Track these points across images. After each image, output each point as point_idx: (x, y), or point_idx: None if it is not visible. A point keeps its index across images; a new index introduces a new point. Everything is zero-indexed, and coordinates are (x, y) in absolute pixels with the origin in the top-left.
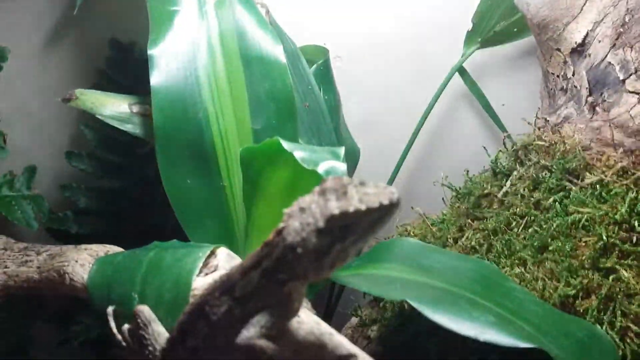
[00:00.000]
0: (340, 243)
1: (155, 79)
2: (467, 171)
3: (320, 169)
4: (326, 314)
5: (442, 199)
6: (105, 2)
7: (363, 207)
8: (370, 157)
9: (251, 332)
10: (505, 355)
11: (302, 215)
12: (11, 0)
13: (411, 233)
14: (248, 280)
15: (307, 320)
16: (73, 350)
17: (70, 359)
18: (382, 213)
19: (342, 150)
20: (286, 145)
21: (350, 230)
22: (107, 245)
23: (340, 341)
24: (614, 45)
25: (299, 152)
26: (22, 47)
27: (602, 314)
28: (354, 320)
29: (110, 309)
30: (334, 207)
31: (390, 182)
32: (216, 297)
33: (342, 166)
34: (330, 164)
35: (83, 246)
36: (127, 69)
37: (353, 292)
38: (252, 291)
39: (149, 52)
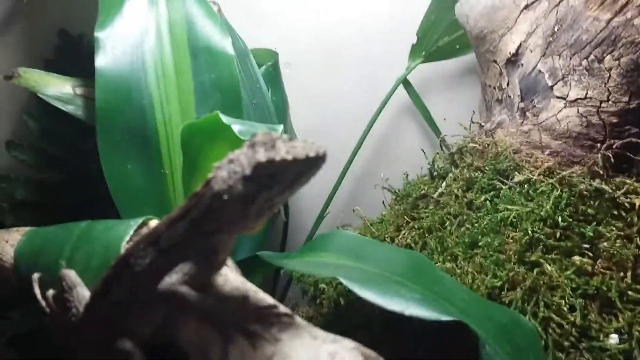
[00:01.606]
0: (267, 192)
1: (100, 61)
2: (407, 174)
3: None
4: None
5: (383, 202)
6: None
7: (289, 157)
8: None
9: (173, 279)
10: (432, 344)
11: (230, 165)
12: None
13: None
14: (174, 231)
15: (233, 279)
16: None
17: None
18: (309, 164)
19: (280, 127)
20: (225, 119)
21: (277, 180)
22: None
23: (263, 297)
24: (544, 54)
25: (237, 126)
26: None
27: (526, 304)
28: None
29: (35, 276)
30: (262, 156)
31: (336, 187)
32: (141, 248)
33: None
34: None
35: (14, 229)
36: (75, 60)
37: (293, 292)
38: (178, 242)
39: (96, 34)
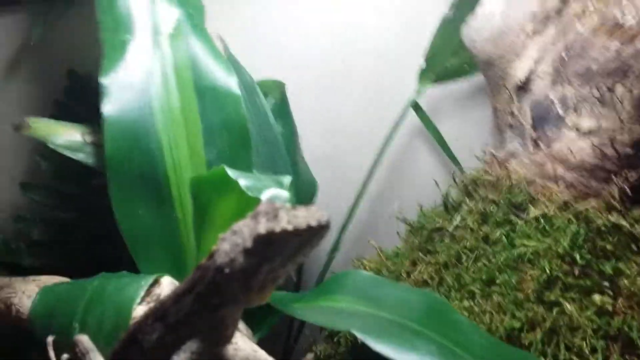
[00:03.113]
0: (268, 264)
1: (107, 108)
2: (421, 206)
3: (264, 196)
4: (285, 351)
5: (397, 232)
6: (63, 34)
7: (290, 228)
8: (328, 191)
9: (181, 358)
10: None
11: (232, 237)
12: None
13: (367, 267)
14: (181, 306)
15: (243, 347)
16: None
17: None
18: (311, 234)
19: (287, 179)
20: (231, 173)
21: (278, 251)
22: (56, 277)
23: None
24: (555, 82)
25: (244, 180)
26: None
27: (546, 346)
28: (309, 356)
29: (50, 339)
30: (262, 227)
31: (349, 215)
32: (149, 324)
33: (285, 194)
34: (273, 192)
35: (31, 277)
36: (84, 100)
37: (311, 329)
38: (185, 317)
39: (100, 80)
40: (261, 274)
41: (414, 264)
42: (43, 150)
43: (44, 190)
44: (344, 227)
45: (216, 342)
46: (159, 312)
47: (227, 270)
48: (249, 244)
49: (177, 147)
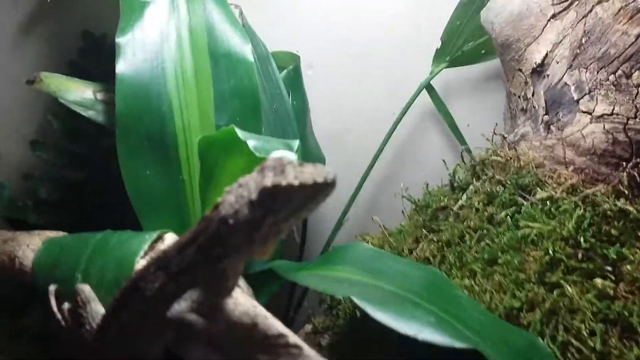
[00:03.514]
0: (273, 217)
1: (121, 67)
2: (427, 184)
3: (272, 157)
4: (284, 323)
5: (402, 211)
6: None
7: (296, 182)
8: (336, 168)
9: (182, 306)
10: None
11: (238, 190)
12: None
13: (369, 243)
14: (184, 256)
15: (243, 302)
16: (24, 344)
17: (22, 351)
18: (316, 190)
19: (295, 143)
20: (241, 133)
21: (283, 205)
22: (60, 232)
23: (273, 323)
24: (571, 66)
25: (252, 141)
26: None
27: (545, 327)
28: (308, 327)
29: (52, 288)
30: (268, 180)
31: (355, 193)
32: (151, 272)
33: (293, 156)
34: (281, 154)
35: (36, 232)
36: (98, 61)
37: (310, 301)
38: (187, 267)
39: (117, 40)
40: (265, 226)
41: (416, 241)
42: (55, 110)
43: (54, 149)
44: (349, 204)
45: (217, 293)
46: (162, 262)
47: (231, 221)
48: (254, 196)
49: (187, 110)
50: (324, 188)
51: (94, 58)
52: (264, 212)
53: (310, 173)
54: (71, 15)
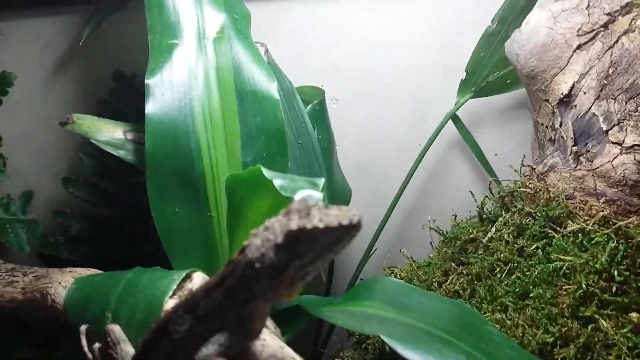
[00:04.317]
0: (298, 260)
1: (150, 107)
2: (455, 216)
3: (298, 196)
4: (312, 357)
5: (431, 243)
6: (111, 35)
7: (321, 225)
8: (362, 199)
9: (210, 350)
10: None
11: (264, 233)
12: (21, 27)
13: (398, 275)
14: (212, 299)
15: (271, 344)
16: None
17: None
18: (342, 233)
19: (321, 181)
20: (267, 173)
21: (309, 248)
22: (92, 269)
23: None
24: (598, 96)
25: (279, 180)
26: (28, 75)
27: None
28: None
29: (83, 327)
30: (294, 224)
31: (382, 225)
32: (180, 315)
33: (319, 195)
34: (307, 193)
35: (68, 269)
36: (129, 101)
37: (339, 335)
38: (215, 310)
39: (146, 81)
40: (291, 270)
41: (446, 274)
42: (86, 148)
43: (85, 186)
44: (376, 236)
45: (244, 336)
46: (190, 304)
47: (257, 265)
48: (280, 239)
49: (215, 148)
50: (349, 230)
51: (125, 98)
52: (290, 255)
53: (336, 215)
54: (103, 56)
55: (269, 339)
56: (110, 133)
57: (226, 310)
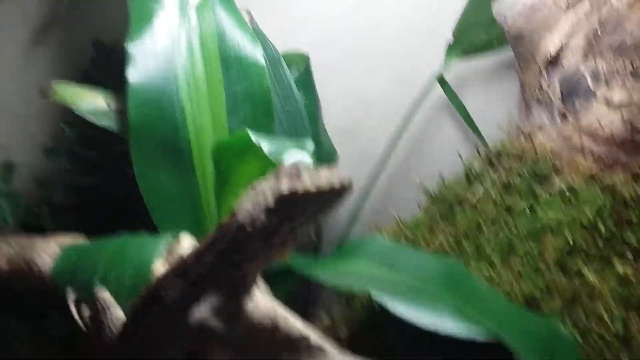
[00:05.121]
0: (290, 222)
1: (132, 74)
2: (442, 177)
3: (286, 160)
4: (301, 316)
5: (417, 203)
6: (90, 3)
7: (312, 187)
8: (349, 163)
9: (202, 312)
10: (469, 352)
11: (254, 196)
12: None
13: (384, 235)
14: (202, 263)
15: (264, 305)
16: (47, 347)
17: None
18: (332, 195)
19: (309, 142)
20: (254, 137)
21: (300, 210)
22: (77, 237)
23: (294, 324)
24: (587, 56)
25: (266, 144)
26: (7, 45)
27: (565, 314)
28: (326, 320)
29: (71, 295)
30: (285, 187)
31: (369, 187)
32: (170, 280)
33: (308, 158)
34: (296, 156)
35: (53, 237)
36: (110, 70)
37: (327, 294)
38: (206, 274)
39: (127, 48)
40: (282, 232)
41: (433, 233)
42: (68, 118)
43: (67, 156)
44: (363, 198)
45: (237, 298)
46: (181, 269)
47: (248, 229)
48: (270, 202)
49: (200, 115)
50: (340, 191)
51: (106, 67)
52: (281, 218)
53: (327, 177)
54: (83, 25)
55: (262, 300)
56: (92, 102)
57: (218, 273)
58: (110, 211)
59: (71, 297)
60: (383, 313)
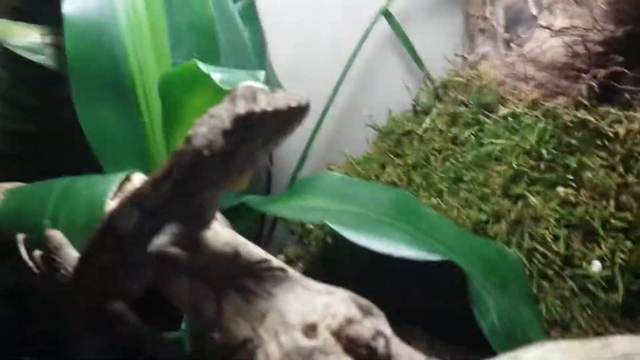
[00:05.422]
0: (248, 146)
1: (68, 7)
2: (390, 111)
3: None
4: None
5: (366, 139)
6: None
7: (270, 109)
8: None
9: (162, 240)
10: (420, 277)
11: (210, 120)
12: None
13: (336, 172)
14: (158, 193)
15: (223, 233)
16: None
17: None
18: (291, 115)
19: (261, 73)
20: (204, 67)
21: (257, 132)
22: (20, 184)
23: (254, 250)
24: None
25: (217, 74)
26: None
27: (511, 237)
28: (281, 257)
29: (20, 237)
30: (241, 108)
31: (318, 124)
32: (126, 210)
33: (261, 85)
34: (249, 84)
35: None
36: (44, 7)
37: (280, 232)
38: (164, 202)
39: None
40: (240, 156)
41: (383, 167)
42: (2, 59)
43: (4, 101)
44: (312, 136)
45: (196, 226)
46: (136, 199)
47: (206, 153)
48: (228, 125)
49: (142, 50)
50: (298, 113)
51: (38, 4)
52: (239, 141)
53: (284, 98)
54: None
55: (221, 229)
56: (25, 36)
57: (175, 202)
58: (54, 158)
59: (20, 240)
60: (336, 247)
